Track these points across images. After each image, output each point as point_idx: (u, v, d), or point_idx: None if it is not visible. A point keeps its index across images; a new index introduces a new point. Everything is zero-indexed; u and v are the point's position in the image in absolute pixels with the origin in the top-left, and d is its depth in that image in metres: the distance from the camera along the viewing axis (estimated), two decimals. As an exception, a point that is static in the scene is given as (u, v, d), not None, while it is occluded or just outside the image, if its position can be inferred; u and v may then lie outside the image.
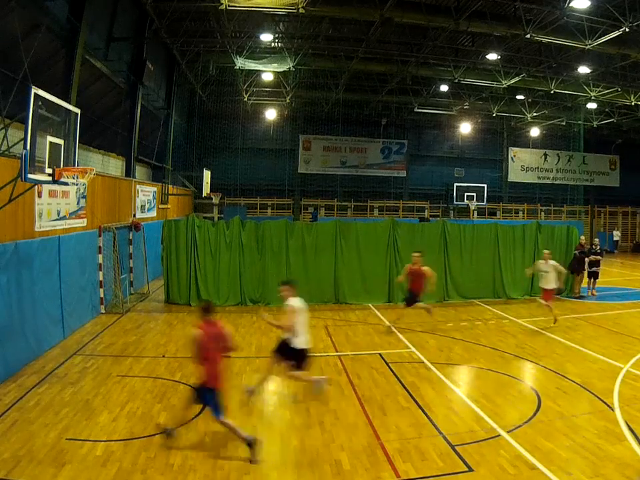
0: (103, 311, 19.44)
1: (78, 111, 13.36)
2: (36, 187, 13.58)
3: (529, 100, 41.66)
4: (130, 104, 27.93)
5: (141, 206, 26.61)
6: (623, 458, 8.98)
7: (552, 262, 18.91)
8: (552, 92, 35.88)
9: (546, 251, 19.72)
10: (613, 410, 11.06)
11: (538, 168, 52.56)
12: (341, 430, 10.12)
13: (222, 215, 41.71)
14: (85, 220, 18.23)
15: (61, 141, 12.43)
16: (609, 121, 44.70)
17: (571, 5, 22.74)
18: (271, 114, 46.81)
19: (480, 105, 43.20)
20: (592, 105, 40.99)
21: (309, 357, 11.51)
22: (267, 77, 36.29)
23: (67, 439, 9.42)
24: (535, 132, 49.80)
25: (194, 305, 21.07)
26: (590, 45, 25.68)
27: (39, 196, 14.52)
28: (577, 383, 12.78)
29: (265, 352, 15.45)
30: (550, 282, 18.72)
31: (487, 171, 51.94)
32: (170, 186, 33.50)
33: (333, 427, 10.27)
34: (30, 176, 10.88)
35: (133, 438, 9.60)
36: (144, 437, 9.63)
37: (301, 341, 11.18)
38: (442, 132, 51.34)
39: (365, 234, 22.83)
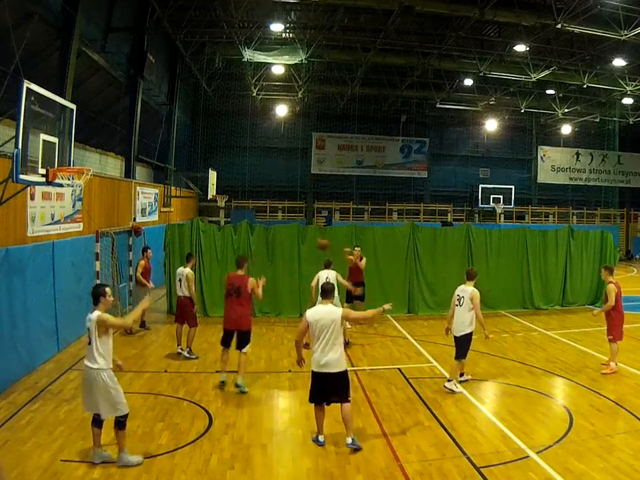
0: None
1: (74, 106, 13.39)
2: (28, 188, 13.61)
3: (560, 95, 41.40)
4: (130, 99, 28.02)
5: (142, 209, 26.67)
6: (662, 481, 8.91)
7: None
8: (585, 86, 35.64)
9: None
10: (651, 430, 10.99)
11: (569, 168, 52.25)
12: (357, 451, 10.13)
13: (229, 219, 41.76)
14: (81, 224, 18.27)
15: (55, 139, 12.44)
16: (646, 117, 44.44)
17: (605, -8, 22.66)
18: (281, 110, 46.64)
19: (507, 100, 42.98)
20: (628, 100, 40.59)
21: None
22: (278, 70, 36.18)
23: (61, 460, 9.39)
24: (566, 129, 49.43)
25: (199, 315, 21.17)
26: (626, 35, 25.44)
27: (32, 198, 14.55)
28: (612, 400, 12.69)
29: (275, 366, 15.52)
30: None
31: (514, 172, 51.66)
32: (173, 187, 33.56)
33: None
34: (22, 177, 10.89)
35: (132, 459, 9.57)
36: (145, 458, 9.59)
37: None
38: (466, 129, 51.21)
39: (383, 239, 22.80)
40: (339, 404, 10.16)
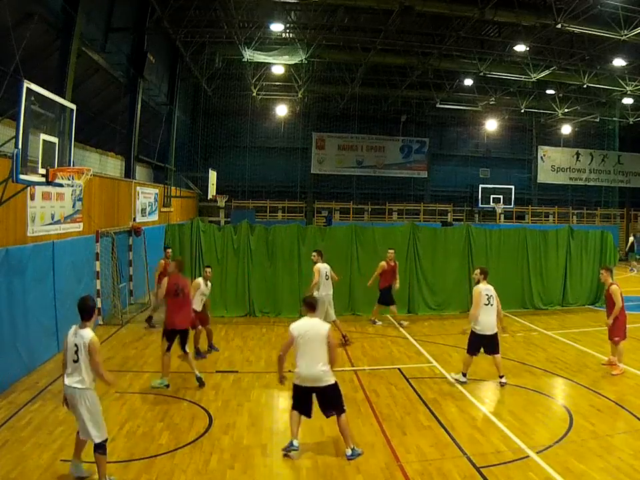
0: (101, 323, 19.41)
1: (74, 106, 13.39)
2: (28, 188, 13.61)
3: (560, 95, 41.36)
4: (130, 99, 28.00)
5: (142, 209, 26.67)
6: (662, 482, 8.90)
7: None
8: (585, 86, 35.62)
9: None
10: (651, 430, 10.98)
11: (569, 168, 52.18)
12: (356, 451, 10.08)
13: (229, 219, 41.72)
14: (81, 224, 18.27)
15: (55, 139, 12.43)
16: (646, 117, 44.36)
17: (605, -8, 22.64)
18: (281, 110, 46.64)
19: (507, 100, 42.97)
20: (628, 100, 40.56)
21: None
22: (278, 70, 36.19)
23: (61, 460, 9.38)
24: (566, 129, 49.47)
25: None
26: (626, 35, 25.42)
27: (32, 198, 14.55)
28: (612, 400, 12.68)
29: (275, 366, 15.48)
30: None
31: (514, 172, 51.60)
32: (173, 187, 33.57)
33: (348, 447, 10.20)
34: (22, 177, 10.89)
35: (132, 459, 9.58)
36: (145, 458, 9.61)
37: None
38: (466, 129, 51.25)
39: (383, 239, 22.67)
40: (335, 416, 9.98)
